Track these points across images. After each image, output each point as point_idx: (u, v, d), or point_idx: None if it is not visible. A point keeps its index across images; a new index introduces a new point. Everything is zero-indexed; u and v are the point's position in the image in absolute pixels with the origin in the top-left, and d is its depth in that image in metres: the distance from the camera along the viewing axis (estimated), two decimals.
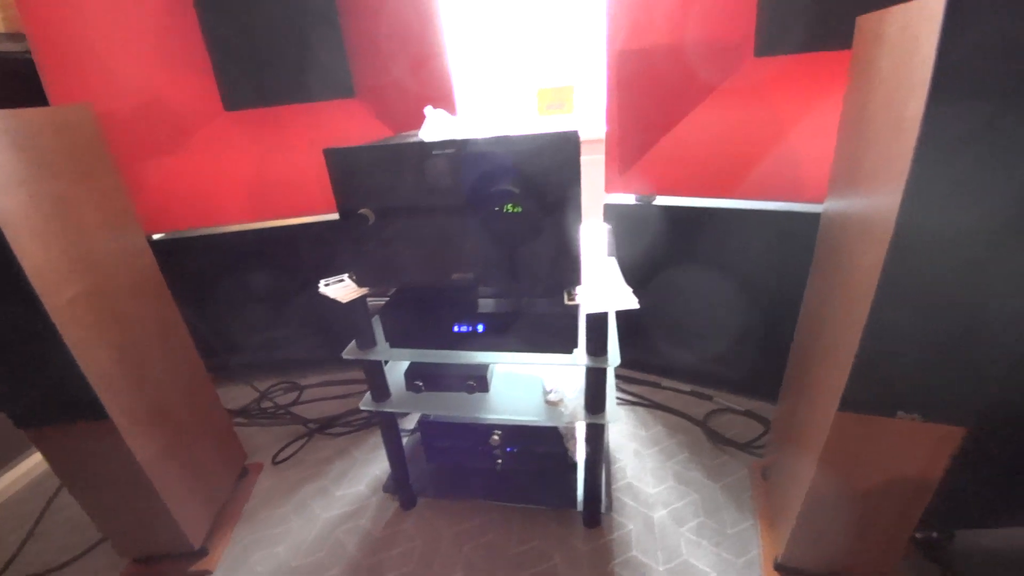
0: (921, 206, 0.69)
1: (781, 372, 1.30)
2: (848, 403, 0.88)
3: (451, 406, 1.24)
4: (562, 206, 0.90)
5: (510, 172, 0.88)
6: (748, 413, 1.60)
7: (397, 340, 1.16)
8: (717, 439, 1.53)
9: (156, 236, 1.76)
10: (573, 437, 1.26)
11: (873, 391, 0.86)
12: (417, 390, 1.25)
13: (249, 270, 1.88)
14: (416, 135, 1.21)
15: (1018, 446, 0.97)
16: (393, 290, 1.20)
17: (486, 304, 1.10)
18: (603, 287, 1.00)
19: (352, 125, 1.71)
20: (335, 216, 1.77)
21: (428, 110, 0.98)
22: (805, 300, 1.18)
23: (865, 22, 0.87)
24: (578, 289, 1.01)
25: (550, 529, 1.30)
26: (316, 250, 1.87)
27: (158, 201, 1.65)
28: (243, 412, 1.87)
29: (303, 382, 2.01)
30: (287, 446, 1.68)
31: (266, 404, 1.90)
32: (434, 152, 0.89)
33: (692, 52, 1.39)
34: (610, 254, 1.18)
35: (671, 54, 1.39)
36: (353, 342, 1.20)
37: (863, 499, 0.98)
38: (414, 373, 1.25)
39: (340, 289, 1.09)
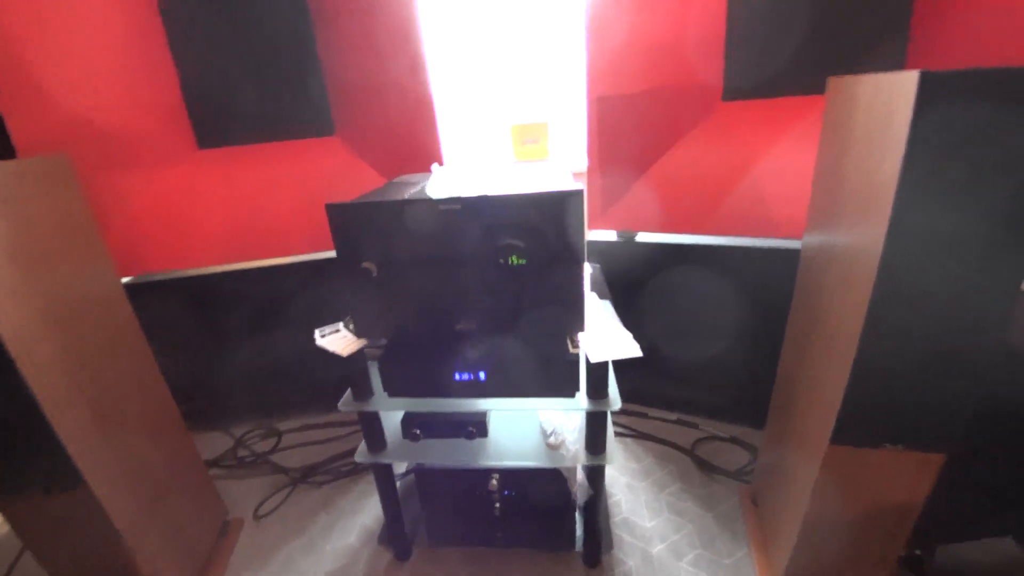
0: (900, 253, 0.76)
1: (762, 398, 1.35)
2: (839, 437, 0.94)
3: (450, 453, 1.22)
4: (566, 258, 0.93)
5: (515, 226, 0.90)
6: (733, 439, 1.66)
7: (396, 389, 1.14)
8: (706, 467, 1.57)
9: (125, 279, 1.68)
10: (575, 479, 1.27)
11: (862, 425, 0.92)
12: (415, 439, 1.23)
13: (224, 312, 1.82)
14: (410, 181, 1.23)
15: (991, 467, 1.04)
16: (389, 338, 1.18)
17: (487, 351, 1.11)
18: (605, 334, 1.03)
19: (332, 163, 1.70)
20: (314, 256, 1.76)
21: (435, 167, 1.00)
22: (788, 332, 1.24)
23: (837, 82, 0.95)
24: (580, 336, 1.03)
25: (551, 572, 1.29)
26: (295, 291, 1.82)
27: (129, 243, 1.58)
28: (218, 462, 1.77)
29: (281, 427, 1.93)
30: (269, 498, 1.61)
31: (243, 452, 1.81)
32: (441, 208, 0.90)
33: (665, 97, 1.47)
34: (602, 296, 1.22)
35: (646, 98, 1.47)
36: (348, 392, 1.18)
37: (855, 525, 1.03)
38: (411, 421, 1.23)
39: (338, 341, 1.07)
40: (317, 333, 1.11)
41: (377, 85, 1.61)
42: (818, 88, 1.04)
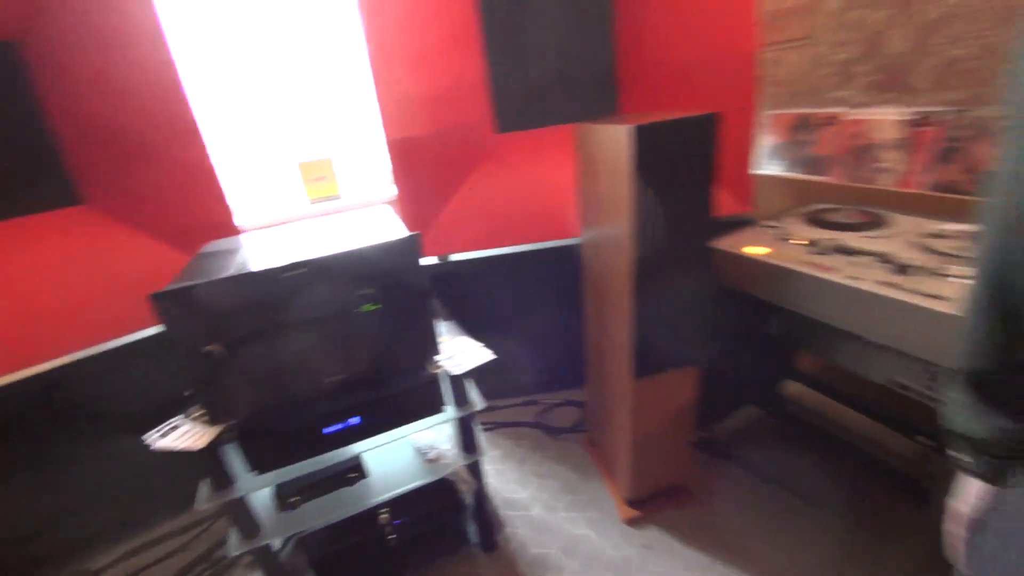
0: (642, 240, 1.10)
1: (576, 363, 1.68)
2: (638, 372, 1.28)
3: (335, 507, 1.22)
4: (413, 293, 1.05)
5: (363, 278, 0.98)
6: (566, 402, 2.00)
7: (265, 465, 1.10)
8: (552, 431, 1.87)
9: None
10: (463, 480, 1.39)
11: (649, 360, 1.27)
12: (293, 507, 1.20)
13: None
14: (223, 249, 1.17)
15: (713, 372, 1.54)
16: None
17: (353, 397, 1.15)
18: (458, 349, 1.18)
19: (84, 239, 1.45)
20: (74, 357, 1.47)
21: (244, 234, 0.99)
22: (584, 307, 1.58)
23: (581, 128, 1.27)
24: (438, 357, 1.16)
25: (457, 572, 1.40)
26: (50, 404, 1.49)
27: None
28: None
29: (94, 566, 1.57)
30: None
31: None
32: (284, 275, 0.92)
33: (452, 134, 1.67)
34: (445, 319, 1.36)
35: (436, 137, 1.64)
36: (204, 487, 1.08)
37: (662, 430, 1.41)
38: (286, 491, 1.19)
39: (186, 436, 0.99)
40: (153, 437, 1.00)
41: (134, 139, 1.43)
42: (568, 119, 1.37)
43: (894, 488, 1.44)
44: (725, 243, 1.35)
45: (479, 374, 1.28)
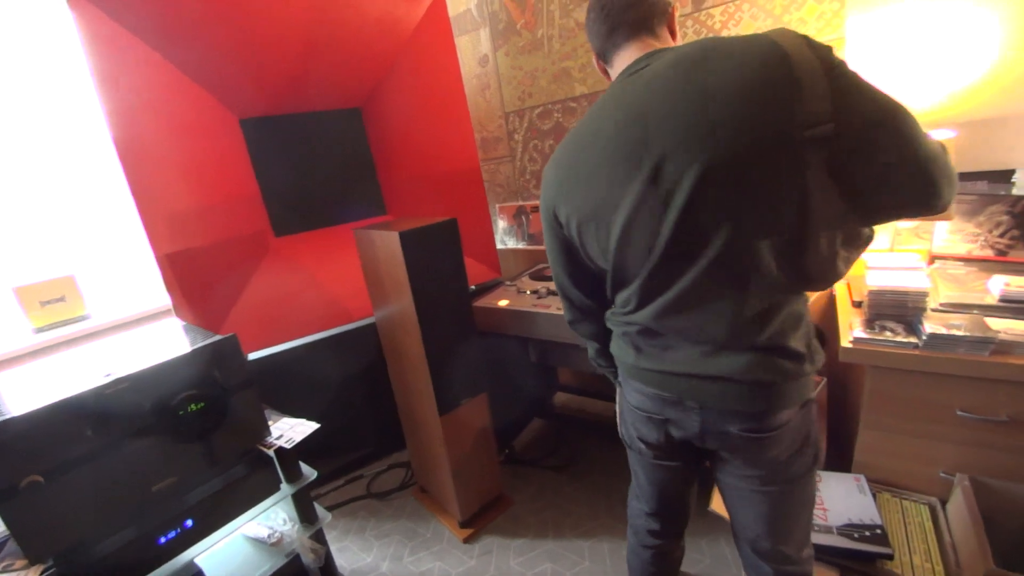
0: (422, 310, 1.50)
1: (394, 427, 1.96)
2: (441, 410, 1.64)
3: None
4: (235, 387, 1.22)
5: (185, 383, 1.13)
6: (390, 467, 2.21)
7: None
8: (383, 496, 2.05)
9: None
10: (309, 549, 1.47)
11: (446, 398, 1.64)
12: None
13: None
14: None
15: (503, 402, 2.00)
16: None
17: (187, 497, 1.21)
18: (286, 427, 1.36)
19: None
20: None
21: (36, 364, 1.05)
22: (390, 373, 1.88)
23: (359, 233, 1.64)
24: (269, 438, 1.32)
25: None
26: None
27: None
28: None
29: None
30: None
31: None
32: (107, 391, 1.02)
33: (231, 243, 1.83)
34: (265, 409, 1.50)
35: (216, 247, 1.78)
36: None
37: (470, 452, 1.77)
38: None
39: None
40: None
41: None
42: (343, 220, 1.71)
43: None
44: (483, 301, 1.85)
45: (305, 462, 1.45)
